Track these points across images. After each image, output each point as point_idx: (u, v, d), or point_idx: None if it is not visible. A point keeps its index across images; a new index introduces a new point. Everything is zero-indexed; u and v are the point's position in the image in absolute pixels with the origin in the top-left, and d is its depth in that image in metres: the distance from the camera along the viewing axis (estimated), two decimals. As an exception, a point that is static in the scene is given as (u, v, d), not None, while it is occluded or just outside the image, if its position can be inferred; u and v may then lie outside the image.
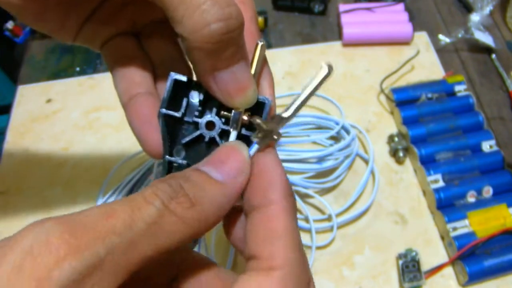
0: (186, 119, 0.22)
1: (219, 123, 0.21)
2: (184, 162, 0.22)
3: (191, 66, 0.21)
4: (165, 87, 0.21)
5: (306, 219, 0.47)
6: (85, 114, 0.57)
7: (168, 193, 0.16)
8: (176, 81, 0.21)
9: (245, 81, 0.20)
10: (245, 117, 0.21)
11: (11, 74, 0.92)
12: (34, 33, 0.66)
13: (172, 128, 0.22)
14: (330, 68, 0.21)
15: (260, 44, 0.21)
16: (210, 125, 0.22)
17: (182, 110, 0.21)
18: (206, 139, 0.22)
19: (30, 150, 0.54)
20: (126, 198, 0.16)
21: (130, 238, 0.15)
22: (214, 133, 0.22)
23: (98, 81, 0.59)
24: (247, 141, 0.21)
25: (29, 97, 0.59)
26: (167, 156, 0.22)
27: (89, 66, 0.62)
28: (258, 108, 0.21)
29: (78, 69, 0.62)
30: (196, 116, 0.22)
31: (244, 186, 0.18)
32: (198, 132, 0.22)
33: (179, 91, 0.21)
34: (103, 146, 0.54)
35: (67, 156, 0.53)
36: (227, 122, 0.21)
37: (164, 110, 0.21)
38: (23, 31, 0.66)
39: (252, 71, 0.21)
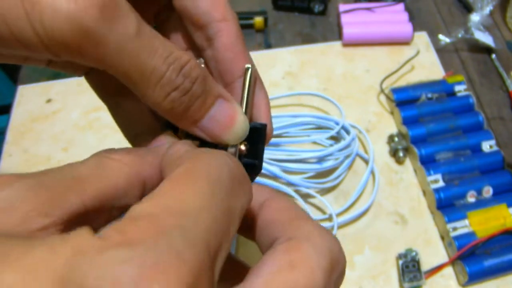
0: None
1: None
2: None
3: None
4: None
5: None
6: (85, 114, 0.57)
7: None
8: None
9: (227, 118, 0.19)
10: (242, 147, 0.21)
11: (11, 74, 0.92)
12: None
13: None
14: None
15: (248, 69, 0.21)
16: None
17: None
18: None
19: (30, 150, 0.54)
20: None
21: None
22: None
23: (98, 81, 0.59)
24: (250, 170, 0.20)
25: (29, 97, 0.59)
26: None
27: (89, 66, 0.61)
28: (254, 134, 0.21)
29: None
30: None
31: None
32: None
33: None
34: (103, 146, 0.53)
35: (67, 156, 0.53)
36: None
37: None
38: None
39: (244, 99, 0.21)
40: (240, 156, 0.21)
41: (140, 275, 0.10)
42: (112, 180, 0.16)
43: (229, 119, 0.19)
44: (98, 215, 0.16)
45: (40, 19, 0.15)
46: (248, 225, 0.19)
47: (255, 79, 0.21)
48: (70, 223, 0.15)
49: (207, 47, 0.21)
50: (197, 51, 0.22)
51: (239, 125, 0.20)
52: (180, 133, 0.21)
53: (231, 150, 0.20)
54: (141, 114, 0.23)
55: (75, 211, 0.15)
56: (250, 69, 0.21)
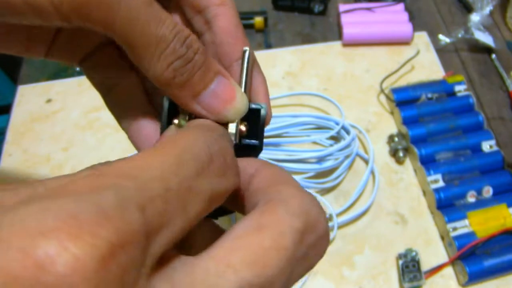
0: None
1: None
2: None
3: None
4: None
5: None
6: (85, 114, 0.57)
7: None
8: (171, 102, 0.21)
9: (227, 93, 0.20)
10: (242, 127, 0.21)
11: (11, 74, 0.92)
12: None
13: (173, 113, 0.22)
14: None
15: (246, 51, 0.21)
16: None
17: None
18: None
19: (30, 150, 0.54)
20: None
21: None
22: None
23: (98, 81, 0.59)
24: (249, 151, 0.21)
25: (29, 97, 0.59)
26: None
27: (89, 66, 0.62)
28: (253, 115, 0.21)
29: (78, 69, 0.61)
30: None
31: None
32: None
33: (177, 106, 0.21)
34: (103, 146, 0.54)
35: (67, 156, 0.53)
36: None
37: (167, 100, 0.21)
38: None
39: (243, 80, 0.21)
40: (241, 137, 0.21)
41: (50, 225, 0.10)
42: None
43: (229, 94, 0.20)
44: None
45: None
46: (239, 201, 0.18)
47: (253, 61, 0.22)
48: None
49: (206, 31, 0.22)
50: (196, 36, 0.22)
51: (239, 101, 0.20)
52: (181, 114, 0.21)
53: (232, 129, 0.20)
54: (134, 99, 0.23)
55: None
56: (247, 51, 0.21)
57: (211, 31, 0.21)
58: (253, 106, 0.21)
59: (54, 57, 0.23)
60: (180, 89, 0.19)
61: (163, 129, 0.21)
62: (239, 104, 0.20)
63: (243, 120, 0.21)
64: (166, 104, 0.21)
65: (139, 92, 0.23)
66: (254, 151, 0.21)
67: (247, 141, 0.21)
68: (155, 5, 0.17)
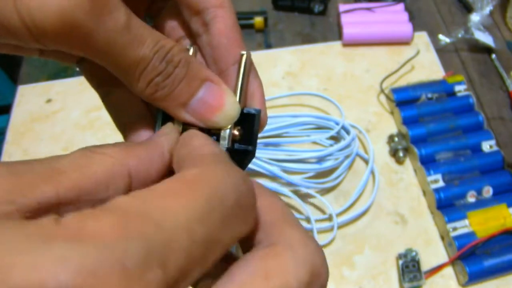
0: None
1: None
2: None
3: None
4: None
5: (308, 219, 0.47)
6: (85, 114, 0.57)
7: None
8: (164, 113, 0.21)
9: (216, 99, 0.19)
10: (235, 132, 0.21)
11: (11, 74, 0.92)
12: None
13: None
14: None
15: (244, 55, 0.21)
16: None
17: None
18: None
19: (30, 150, 0.54)
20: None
21: None
22: None
23: (98, 81, 0.59)
24: (241, 156, 0.20)
25: (29, 97, 0.59)
26: None
27: (89, 66, 0.62)
28: (248, 120, 0.21)
29: (78, 69, 0.61)
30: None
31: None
32: None
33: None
34: (103, 146, 0.54)
35: (67, 156, 0.53)
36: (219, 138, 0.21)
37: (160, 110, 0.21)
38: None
39: (238, 85, 0.21)
40: (234, 141, 0.21)
41: (70, 280, 0.09)
42: (91, 171, 0.15)
43: (218, 101, 0.19)
44: (76, 207, 0.15)
45: (28, 9, 0.15)
46: None
47: (250, 65, 0.21)
48: (41, 213, 0.13)
49: (203, 33, 0.22)
50: (193, 38, 0.22)
51: (229, 106, 0.20)
52: (175, 121, 0.21)
53: (224, 134, 0.20)
54: (132, 103, 0.23)
55: (46, 201, 0.14)
56: (245, 55, 0.21)
57: (209, 33, 0.21)
58: (248, 111, 0.21)
59: (50, 56, 0.23)
60: (165, 101, 0.19)
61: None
62: (229, 110, 0.20)
63: (236, 124, 0.21)
64: (159, 114, 0.21)
65: (136, 97, 0.23)
66: (246, 156, 0.21)
67: (240, 146, 0.21)
68: (134, 27, 0.17)
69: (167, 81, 0.18)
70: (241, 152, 0.21)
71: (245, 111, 0.21)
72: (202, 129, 0.20)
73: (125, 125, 0.23)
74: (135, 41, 0.17)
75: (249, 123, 0.21)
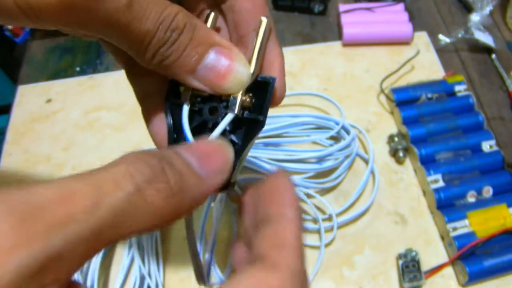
0: (191, 107, 0.21)
1: (221, 108, 0.20)
2: None
3: None
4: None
5: (314, 220, 0.47)
6: (85, 114, 0.57)
7: (147, 176, 0.14)
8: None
9: (225, 64, 0.19)
10: (246, 99, 0.20)
11: (11, 74, 0.92)
12: (34, 33, 0.66)
13: (177, 119, 0.21)
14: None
15: (264, 21, 0.20)
16: (212, 110, 0.21)
17: (182, 96, 0.21)
18: (210, 125, 0.20)
19: (30, 150, 0.54)
20: (91, 173, 0.13)
21: (94, 229, 0.13)
22: (218, 118, 0.20)
23: (98, 81, 0.59)
24: (250, 125, 0.20)
25: (29, 97, 0.59)
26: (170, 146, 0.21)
27: (89, 66, 0.62)
28: (261, 88, 0.20)
29: (78, 69, 0.62)
30: (199, 103, 0.21)
31: (218, 188, 0.17)
32: (201, 119, 0.21)
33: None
34: (103, 146, 0.54)
35: (67, 156, 0.53)
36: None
37: (170, 99, 0.20)
38: (23, 31, 0.66)
39: (255, 51, 0.20)
40: (244, 109, 0.20)
41: None
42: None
43: (227, 65, 0.19)
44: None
45: None
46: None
47: (269, 32, 0.20)
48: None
49: None
50: (217, 6, 0.22)
51: (239, 72, 0.19)
52: (184, 92, 0.20)
53: (234, 101, 0.19)
54: (153, 76, 0.23)
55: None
56: (265, 21, 0.20)
57: None
58: (262, 78, 0.20)
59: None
60: (172, 69, 0.18)
61: (170, 134, 0.20)
62: (238, 75, 0.19)
63: (249, 91, 0.20)
64: (167, 111, 0.20)
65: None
66: (255, 126, 0.20)
67: (250, 114, 0.20)
68: (137, 3, 0.17)
69: (172, 48, 0.18)
70: (250, 121, 0.20)
71: (259, 78, 0.20)
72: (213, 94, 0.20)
73: (144, 97, 0.23)
74: (138, 17, 0.17)
75: (263, 92, 0.20)
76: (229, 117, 0.20)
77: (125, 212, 0.13)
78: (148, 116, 0.23)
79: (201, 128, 0.21)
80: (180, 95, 0.21)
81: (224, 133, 0.20)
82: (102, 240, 0.13)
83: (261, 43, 0.20)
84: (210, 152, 0.17)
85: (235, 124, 0.20)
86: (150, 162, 0.14)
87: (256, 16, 0.20)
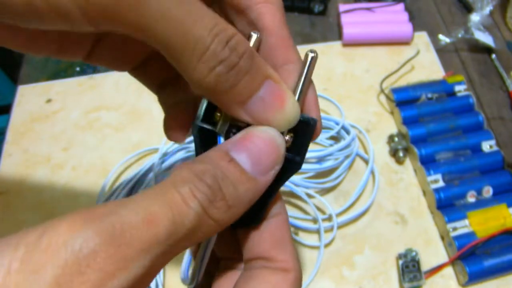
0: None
1: None
2: None
3: None
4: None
5: (314, 220, 0.47)
6: (85, 114, 0.57)
7: (207, 196, 0.15)
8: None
9: (277, 100, 0.18)
10: (287, 138, 0.19)
11: (11, 74, 0.92)
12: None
13: (207, 142, 0.20)
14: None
15: (310, 55, 0.19)
16: None
17: (219, 126, 0.19)
18: None
19: (30, 150, 0.54)
20: (160, 192, 0.15)
21: (171, 246, 0.14)
22: None
23: (98, 81, 0.59)
24: (287, 165, 0.19)
25: (29, 97, 0.59)
26: None
27: (89, 66, 0.62)
28: (302, 128, 0.19)
29: (78, 69, 0.62)
30: (233, 132, 0.19)
31: (271, 182, 0.18)
32: None
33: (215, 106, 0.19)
34: (103, 146, 0.54)
35: (67, 156, 0.53)
36: None
37: (199, 123, 0.19)
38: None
39: (299, 87, 0.19)
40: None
41: None
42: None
43: (279, 101, 0.18)
44: None
45: None
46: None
47: (313, 68, 0.19)
48: None
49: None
50: (243, 36, 0.21)
51: (290, 108, 0.18)
52: (221, 116, 0.19)
53: None
54: (186, 103, 0.23)
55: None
56: (311, 55, 0.19)
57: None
58: (304, 118, 0.19)
59: (96, 64, 0.23)
60: (224, 96, 0.17)
61: (194, 130, 0.19)
62: (289, 112, 0.18)
63: (289, 131, 0.19)
64: (203, 102, 0.19)
65: (191, 97, 0.23)
66: (292, 166, 0.19)
67: (288, 154, 0.19)
68: (190, 2, 0.16)
69: (231, 73, 0.16)
70: (288, 161, 0.19)
71: (301, 118, 0.19)
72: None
73: (170, 107, 0.23)
74: (192, 17, 0.15)
75: (303, 131, 0.19)
76: None
77: (195, 229, 0.15)
78: (170, 124, 0.23)
79: None
80: (213, 119, 0.19)
81: None
82: (175, 253, 0.15)
83: (305, 79, 0.19)
84: (263, 148, 0.17)
85: None
86: (208, 181, 0.16)
87: (283, 50, 0.19)
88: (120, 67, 0.23)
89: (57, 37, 0.20)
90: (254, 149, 0.17)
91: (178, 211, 0.15)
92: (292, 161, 0.19)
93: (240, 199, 0.16)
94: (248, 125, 0.18)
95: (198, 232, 0.15)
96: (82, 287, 0.12)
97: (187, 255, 0.23)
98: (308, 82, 0.19)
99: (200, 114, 0.19)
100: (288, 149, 0.19)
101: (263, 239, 0.19)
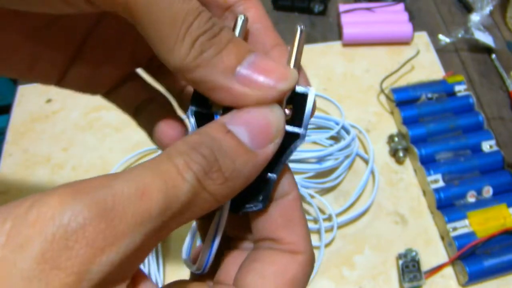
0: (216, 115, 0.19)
1: None
2: None
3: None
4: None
5: (315, 220, 0.47)
6: (85, 114, 0.57)
7: (203, 167, 0.15)
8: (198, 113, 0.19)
9: (270, 64, 0.17)
10: (286, 111, 0.18)
11: (11, 74, 0.92)
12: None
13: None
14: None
15: (299, 28, 0.19)
16: None
17: (214, 107, 0.19)
18: None
19: (30, 150, 0.54)
20: (154, 164, 0.14)
21: (165, 221, 0.14)
22: None
23: (98, 81, 0.59)
24: (289, 138, 0.18)
25: (29, 97, 0.59)
26: None
27: (89, 66, 0.61)
28: (299, 100, 0.18)
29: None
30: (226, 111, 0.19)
31: (272, 155, 0.17)
32: None
33: None
34: (103, 146, 0.54)
35: (67, 156, 0.53)
36: None
37: (194, 108, 0.19)
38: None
39: (292, 59, 0.18)
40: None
41: None
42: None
43: (270, 63, 0.17)
44: None
45: None
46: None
47: (303, 42, 0.19)
48: None
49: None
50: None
51: (286, 71, 0.17)
52: (215, 104, 0.18)
53: None
54: (166, 119, 0.22)
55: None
56: (300, 28, 0.19)
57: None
58: (300, 89, 0.18)
59: (69, 88, 0.22)
60: (210, 67, 0.16)
61: (190, 115, 0.19)
62: (287, 73, 0.17)
63: (288, 103, 0.18)
64: (191, 110, 0.19)
65: (169, 110, 0.23)
66: (296, 139, 0.19)
67: (290, 127, 0.18)
68: None
69: (214, 40, 0.16)
70: (291, 134, 0.18)
71: (297, 89, 0.18)
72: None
73: (161, 140, 0.22)
74: None
75: (302, 104, 0.19)
76: None
77: (191, 202, 0.14)
78: (148, 125, 0.22)
79: None
80: (208, 103, 0.19)
81: None
82: (169, 229, 0.14)
83: (297, 52, 0.19)
84: (261, 121, 0.17)
85: None
86: (203, 152, 0.15)
87: (269, 36, 0.20)
88: (93, 91, 0.23)
89: (29, 55, 0.20)
90: (252, 121, 0.16)
91: (172, 183, 0.14)
92: (294, 134, 0.19)
93: (238, 172, 0.16)
94: None
95: (193, 206, 0.15)
96: (69, 262, 0.12)
97: (189, 237, 0.21)
98: (300, 56, 0.19)
99: (195, 98, 0.19)
100: (289, 122, 0.19)
101: (271, 220, 0.18)
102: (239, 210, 0.18)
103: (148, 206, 0.13)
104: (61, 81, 0.22)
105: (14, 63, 0.20)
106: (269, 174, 0.18)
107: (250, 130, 0.16)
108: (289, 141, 0.18)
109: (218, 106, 0.19)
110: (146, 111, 0.23)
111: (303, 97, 0.19)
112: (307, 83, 0.20)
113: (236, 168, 0.16)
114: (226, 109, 0.18)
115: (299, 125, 0.19)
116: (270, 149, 0.17)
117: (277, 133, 0.17)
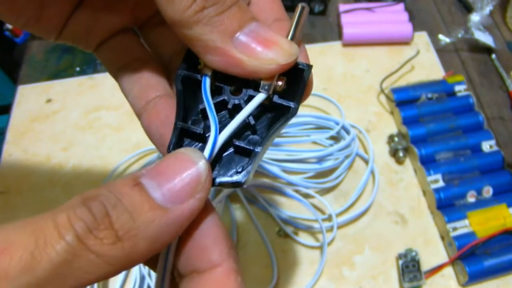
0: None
1: (246, 91, 0.18)
2: (201, 131, 0.18)
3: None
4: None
5: (315, 220, 0.47)
6: (85, 114, 0.57)
7: (87, 223, 0.13)
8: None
9: (270, 34, 0.16)
10: (278, 82, 0.18)
11: (11, 74, 0.92)
12: (34, 33, 0.66)
13: (190, 95, 0.18)
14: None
15: (301, 5, 0.18)
16: (236, 90, 0.18)
17: (203, 70, 0.18)
18: (230, 105, 0.18)
19: (30, 150, 0.54)
20: (32, 220, 0.13)
21: (31, 281, 0.12)
22: (240, 99, 0.18)
23: (98, 81, 0.59)
24: (280, 112, 0.18)
25: (29, 97, 0.59)
26: (179, 123, 0.18)
27: (89, 66, 0.62)
28: (295, 74, 0.18)
29: (78, 69, 0.62)
30: (219, 82, 0.18)
31: (196, 212, 0.15)
32: (221, 97, 0.18)
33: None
34: (103, 146, 0.54)
35: (67, 156, 0.53)
36: (257, 89, 0.18)
37: (183, 72, 0.18)
38: (23, 31, 0.66)
39: (290, 33, 0.18)
40: (274, 93, 0.18)
41: None
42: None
43: (272, 35, 0.16)
44: None
45: None
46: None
47: (304, 20, 0.19)
48: None
49: None
50: None
51: (286, 43, 0.16)
52: (205, 67, 0.18)
53: (266, 82, 0.17)
54: (153, 81, 0.21)
55: None
56: (301, 5, 0.19)
57: None
58: (299, 63, 0.18)
59: (72, 32, 0.21)
60: (209, 25, 0.15)
61: (179, 111, 0.18)
62: (287, 45, 0.16)
63: (282, 75, 0.18)
64: (178, 85, 0.18)
65: (159, 76, 0.21)
66: (285, 113, 0.18)
67: (282, 100, 0.18)
68: None
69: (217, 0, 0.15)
70: (280, 107, 0.18)
71: (297, 63, 0.18)
72: (235, 77, 0.17)
73: (148, 101, 0.20)
74: None
75: (298, 78, 0.18)
76: (260, 97, 0.17)
77: (69, 264, 0.12)
78: (157, 123, 0.20)
79: (220, 108, 0.19)
80: (196, 69, 0.18)
81: (247, 122, 0.18)
82: None
83: (295, 27, 0.18)
84: (180, 172, 0.15)
85: (260, 110, 0.19)
86: (92, 206, 0.13)
87: (272, 10, 0.19)
88: (88, 43, 0.22)
89: (39, 4, 0.19)
90: (167, 172, 0.14)
91: (44, 241, 0.12)
92: (285, 106, 0.18)
93: (138, 230, 0.13)
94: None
95: (75, 269, 0.12)
96: None
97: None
98: (300, 31, 0.18)
99: (186, 61, 0.18)
100: (281, 95, 0.18)
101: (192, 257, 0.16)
102: (214, 181, 0.17)
103: (6, 264, 0.11)
104: (61, 33, 0.21)
105: (23, 7, 0.19)
106: (255, 148, 0.17)
107: (162, 183, 0.14)
108: (278, 114, 0.18)
109: (208, 69, 0.18)
110: (130, 69, 0.21)
111: (300, 71, 0.18)
112: (307, 60, 0.19)
113: (135, 227, 0.13)
114: (216, 73, 0.18)
115: (292, 98, 0.18)
116: (190, 205, 0.14)
117: (199, 187, 0.15)
